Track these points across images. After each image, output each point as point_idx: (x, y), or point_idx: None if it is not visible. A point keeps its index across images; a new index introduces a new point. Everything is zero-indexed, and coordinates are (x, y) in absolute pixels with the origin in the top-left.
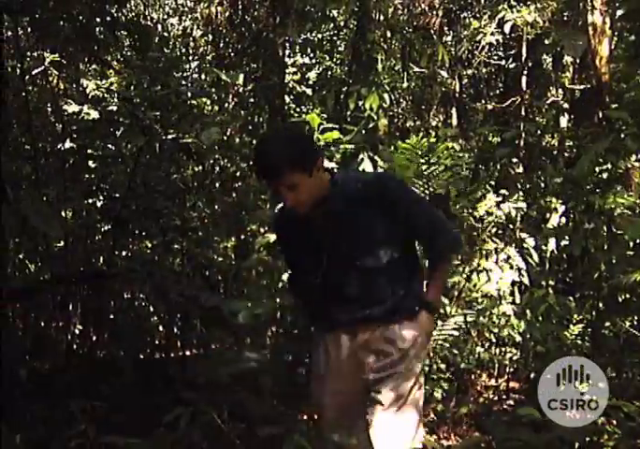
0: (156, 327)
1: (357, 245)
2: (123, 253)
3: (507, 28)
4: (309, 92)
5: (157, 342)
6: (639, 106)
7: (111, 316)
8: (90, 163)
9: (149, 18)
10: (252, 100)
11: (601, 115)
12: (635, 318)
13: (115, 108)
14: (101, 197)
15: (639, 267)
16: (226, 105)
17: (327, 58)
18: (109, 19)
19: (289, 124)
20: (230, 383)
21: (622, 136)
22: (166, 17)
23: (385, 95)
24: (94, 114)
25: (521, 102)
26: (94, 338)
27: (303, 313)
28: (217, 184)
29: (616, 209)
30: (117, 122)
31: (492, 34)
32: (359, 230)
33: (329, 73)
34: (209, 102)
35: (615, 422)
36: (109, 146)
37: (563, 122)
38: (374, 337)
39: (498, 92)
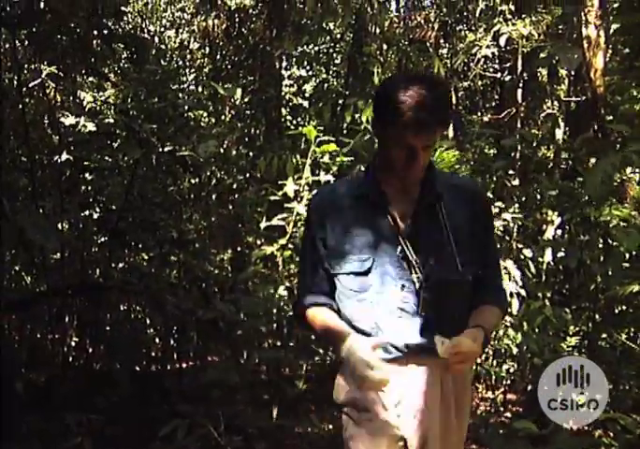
0: (152, 340)
1: (450, 247)
2: (120, 266)
3: (502, 41)
4: (305, 104)
5: (153, 355)
6: (633, 118)
7: (107, 328)
8: (87, 175)
9: (146, 30)
10: (248, 112)
11: (596, 127)
12: (632, 330)
13: (112, 121)
14: (98, 209)
15: (635, 279)
16: (223, 117)
17: (324, 70)
18: (106, 32)
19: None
20: (227, 395)
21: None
22: (163, 29)
23: None
24: (91, 126)
25: (517, 114)
26: (91, 350)
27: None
28: (214, 197)
29: (611, 221)
30: (114, 134)
31: (488, 46)
32: (459, 228)
33: (326, 85)
34: (206, 114)
35: (612, 434)
36: (106, 158)
37: (559, 134)
38: (430, 377)
39: (494, 104)
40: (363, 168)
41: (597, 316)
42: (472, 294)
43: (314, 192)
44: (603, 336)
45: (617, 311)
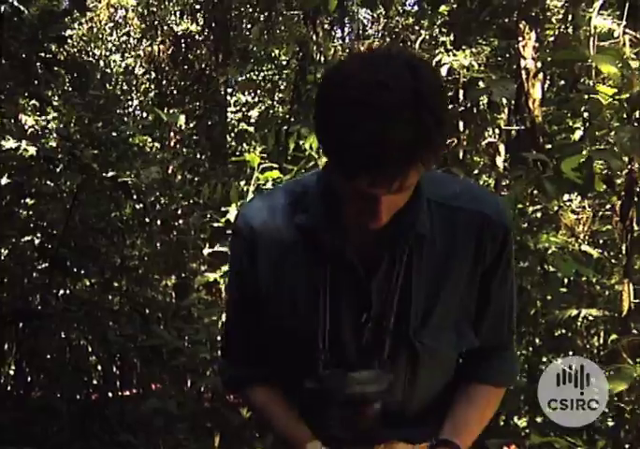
0: (94, 367)
1: (429, 315)
2: (61, 292)
3: (444, 71)
4: (251, 130)
5: (95, 382)
6: (566, 148)
7: (47, 356)
8: (27, 200)
9: (91, 54)
10: (194, 138)
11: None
12: (570, 354)
13: (54, 145)
14: (38, 235)
15: (573, 304)
16: (168, 143)
17: (268, 97)
18: (48, 56)
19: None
20: (169, 423)
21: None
22: (108, 53)
23: None
24: (33, 151)
25: (458, 143)
26: (29, 379)
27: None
28: (158, 222)
29: (549, 247)
30: (56, 159)
31: None
32: (442, 291)
33: (271, 112)
34: (150, 140)
35: None
36: (48, 183)
37: (500, 161)
38: None
39: None
40: (309, 176)
41: (537, 340)
42: (452, 379)
43: (240, 213)
44: (544, 360)
45: (556, 334)
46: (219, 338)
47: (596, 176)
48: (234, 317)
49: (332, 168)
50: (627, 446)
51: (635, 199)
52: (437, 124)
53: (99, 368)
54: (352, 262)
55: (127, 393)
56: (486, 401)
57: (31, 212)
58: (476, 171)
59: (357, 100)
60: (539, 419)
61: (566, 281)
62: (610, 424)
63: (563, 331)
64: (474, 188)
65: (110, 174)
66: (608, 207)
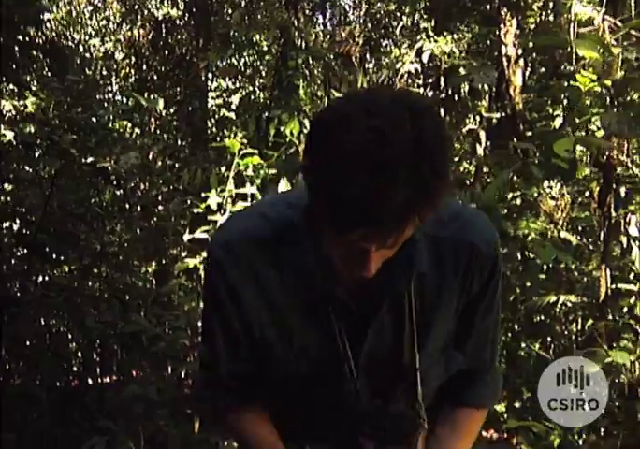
0: (74, 354)
1: (422, 346)
2: (40, 279)
3: (425, 57)
4: (232, 115)
5: (75, 369)
6: (547, 135)
7: (26, 343)
8: (5, 185)
9: (70, 38)
10: (174, 123)
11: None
12: (548, 340)
13: (33, 130)
14: (17, 221)
15: (551, 290)
16: (148, 128)
17: (249, 83)
18: (25, 39)
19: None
20: (149, 410)
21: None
22: (87, 38)
23: (306, 121)
24: (10, 136)
25: None
26: (8, 366)
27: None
28: (137, 208)
29: (529, 234)
30: (34, 144)
31: (411, 62)
32: (434, 321)
33: (252, 98)
34: (130, 125)
35: (526, 442)
36: (26, 168)
37: (480, 149)
38: None
39: None
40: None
41: (516, 326)
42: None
43: (216, 239)
44: (523, 345)
45: (535, 320)
46: (199, 323)
47: (579, 162)
48: (217, 341)
49: (323, 218)
50: (602, 430)
51: (614, 186)
52: (438, 179)
53: (79, 354)
54: (345, 301)
55: (107, 380)
56: (468, 423)
57: (9, 198)
58: (457, 158)
59: (353, 152)
60: (517, 404)
61: (545, 267)
62: None
63: (542, 317)
64: (463, 214)
65: (90, 159)
66: (587, 193)
